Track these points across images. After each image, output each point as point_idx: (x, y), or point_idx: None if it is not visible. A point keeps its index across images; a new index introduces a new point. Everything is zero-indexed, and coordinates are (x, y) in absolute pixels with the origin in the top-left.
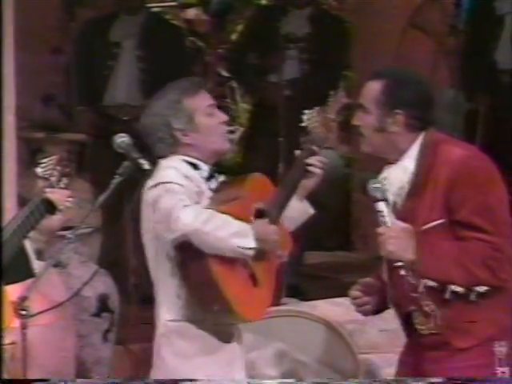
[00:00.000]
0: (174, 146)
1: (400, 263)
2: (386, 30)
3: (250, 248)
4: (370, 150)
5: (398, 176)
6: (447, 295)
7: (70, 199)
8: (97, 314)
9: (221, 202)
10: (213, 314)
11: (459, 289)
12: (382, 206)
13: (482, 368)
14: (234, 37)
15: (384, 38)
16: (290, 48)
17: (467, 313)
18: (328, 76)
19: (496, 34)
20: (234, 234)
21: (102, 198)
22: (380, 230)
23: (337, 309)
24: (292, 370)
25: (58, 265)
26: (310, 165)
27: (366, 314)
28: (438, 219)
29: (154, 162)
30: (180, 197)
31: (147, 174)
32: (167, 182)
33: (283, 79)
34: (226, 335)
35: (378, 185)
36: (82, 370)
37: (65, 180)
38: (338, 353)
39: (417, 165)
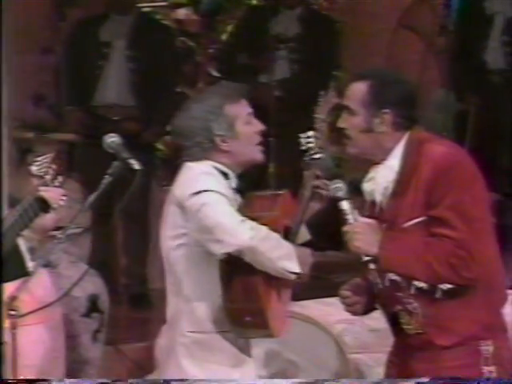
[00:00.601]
0: (210, 152)
1: (367, 258)
2: (376, 30)
3: (295, 272)
4: (356, 152)
5: (384, 176)
6: (412, 291)
7: (64, 198)
8: (86, 315)
9: (253, 214)
10: (241, 326)
11: (423, 285)
12: (344, 204)
13: (469, 367)
14: (224, 37)
15: (374, 38)
16: (280, 48)
17: (450, 311)
18: (318, 76)
19: (486, 33)
20: (284, 257)
21: (91, 198)
22: (345, 228)
23: (327, 309)
24: (283, 370)
25: (47, 265)
26: (317, 187)
27: (355, 313)
28: (419, 217)
29: (144, 163)
30: (229, 208)
31: (137, 174)
32: (212, 191)
33: (273, 79)
34: (246, 349)
35: (338, 185)
36: (71, 371)
37: (59, 178)
38: (328, 352)
39: (401, 164)
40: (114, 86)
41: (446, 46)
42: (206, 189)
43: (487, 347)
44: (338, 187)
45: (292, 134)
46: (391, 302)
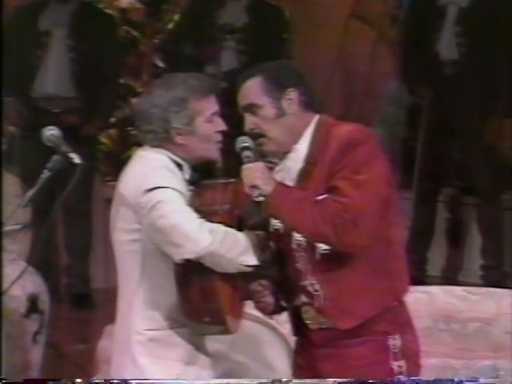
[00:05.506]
0: (164, 142)
1: (258, 192)
2: (327, 20)
3: (253, 265)
4: (274, 148)
5: (294, 159)
6: (293, 245)
7: None
8: (26, 315)
9: (204, 207)
10: (199, 325)
11: (301, 238)
12: (247, 153)
13: (378, 365)
14: (170, 26)
15: (325, 29)
16: (227, 39)
17: (351, 293)
18: None
19: (438, 24)
20: (242, 253)
21: (30, 193)
22: (245, 166)
23: None
24: (230, 371)
25: None
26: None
27: (264, 311)
28: (323, 194)
29: (86, 157)
30: (187, 209)
31: (78, 169)
32: (168, 188)
33: (220, 71)
34: (201, 346)
35: (243, 138)
36: (11, 373)
37: None
38: (278, 353)
39: (310, 146)
40: (53, 76)
41: (397, 37)
42: (161, 185)
43: (394, 341)
44: (243, 139)
45: (240, 127)
46: (295, 290)
